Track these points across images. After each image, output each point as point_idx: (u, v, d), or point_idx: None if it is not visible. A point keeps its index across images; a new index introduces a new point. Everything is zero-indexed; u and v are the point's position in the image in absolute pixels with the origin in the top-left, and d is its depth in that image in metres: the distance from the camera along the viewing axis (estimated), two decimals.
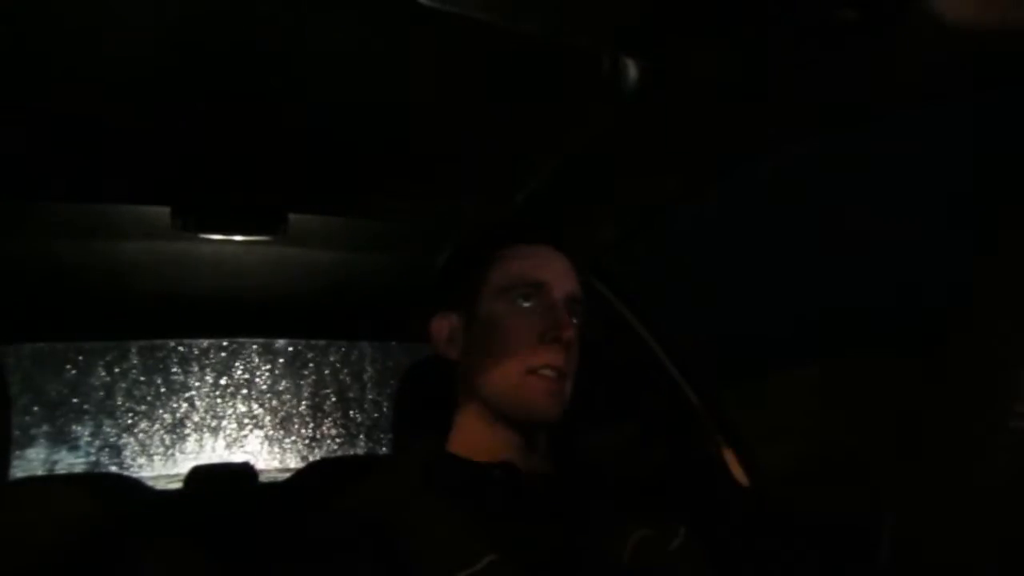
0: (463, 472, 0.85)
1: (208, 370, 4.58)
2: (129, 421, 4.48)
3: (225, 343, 4.58)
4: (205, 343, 4.50)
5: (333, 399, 4.83)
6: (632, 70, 0.89)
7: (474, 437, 0.88)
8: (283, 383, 4.75)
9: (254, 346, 4.65)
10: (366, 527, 0.77)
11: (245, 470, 1.83)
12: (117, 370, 4.41)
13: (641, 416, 1.65)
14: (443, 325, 0.92)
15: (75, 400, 4.41)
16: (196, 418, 4.54)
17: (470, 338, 0.89)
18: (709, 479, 1.42)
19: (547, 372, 0.83)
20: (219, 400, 4.58)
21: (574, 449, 0.97)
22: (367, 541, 0.75)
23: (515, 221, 0.96)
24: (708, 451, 1.55)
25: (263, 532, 1.30)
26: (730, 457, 1.56)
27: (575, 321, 0.88)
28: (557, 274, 0.88)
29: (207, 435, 4.54)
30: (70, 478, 1.79)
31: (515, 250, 0.90)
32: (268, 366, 4.72)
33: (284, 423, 4.65)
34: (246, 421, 4.61)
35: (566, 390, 0.86)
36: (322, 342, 4.60)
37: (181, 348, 4.45)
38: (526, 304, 0.86)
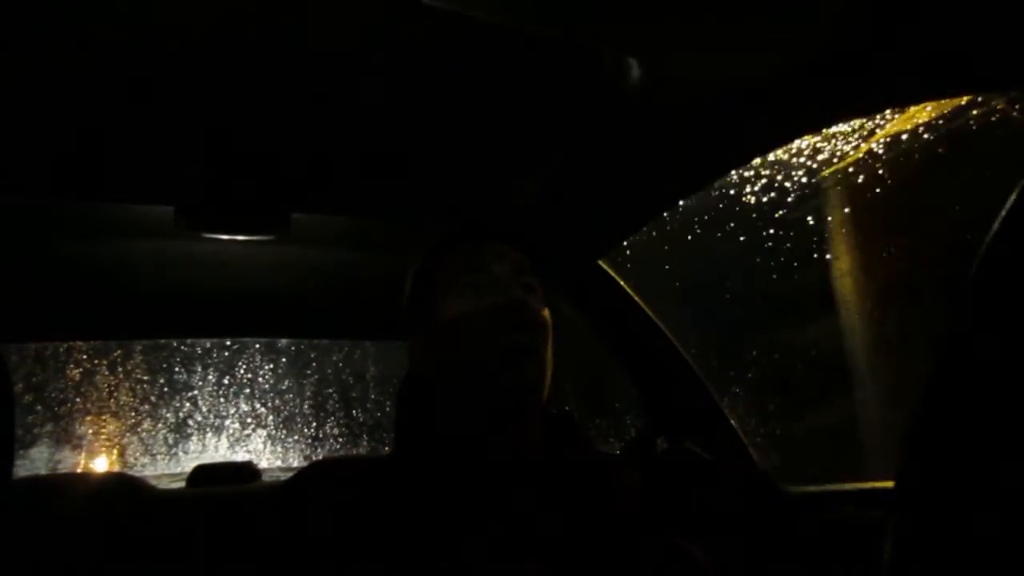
0: (454, 467, 0.86)
1: (211, 369, 4.59)
2: (132, 420, 4.50)
3: (228, 342, 4.60)
4: (208, 343, 4.51)
5: (336, 398, 4.84)
6: (633, 70, 0.89)
7: (464, 436, 0.89)
8: (286, 382, 4.76)
9: (257, 345, 4.66)
10: (357, 524, 0.78)
11: (248, 469, 1.83)
12: (120, 369, 4.43)
13: (645, 413, 1.65)
14: (414, 347, 0.93)
15: (78, 399, 4.43)
16: (199, 417, 4.56)
17: (437, 347, 0.89)
18: (713, 471, 1.42)
19: (508, 347, 0.84)
20: (222, 399, 4.59)
21: (574, 441, 0.97)
22: (358, 537, 0.76)
23: (455, 230, 0.96)
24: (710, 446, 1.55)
25: (265, 531, 1.31)
26: (730, 452, 1.56)
27: (530, 293, 0.90)
28: (494, 255, 0.90)
29: (210, 434, 4.56)
30: (73, 477, 1.80)
31: (453, 252, 0.92)
32: (271, 365, 4.73)
33: (287, 422, 4.66)
34: (249, 420, 4.62)
35: (538, 364, 0.85)
36: (325, 341, 4.60)
37: (184, 347, 4.47)
38: (472, 293, 0.87)
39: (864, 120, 2.91)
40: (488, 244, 0.92)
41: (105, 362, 4.42)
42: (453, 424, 0.89)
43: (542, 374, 0.85)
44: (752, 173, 3.63)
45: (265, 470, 1.98)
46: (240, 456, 4.53)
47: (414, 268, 0.96)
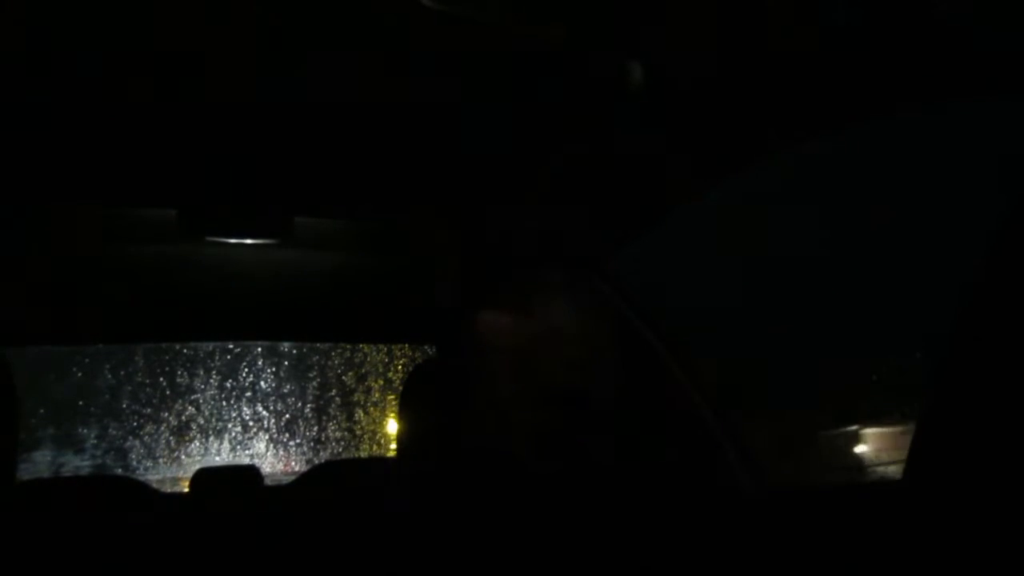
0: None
1: (213, 373, 4.59)
2: (135, 424, 4.50)
3: (230, 346, 4.60)
4: (211, 346, 4.51)
5: (338, 401, 4.84)
6: (634, 70, 0.89)
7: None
8: (288, 386, 4.76)
9: (259, 349, 4.66)
10: (361, 527, 0.78)
11: (250, 473, 1.83)
12: (123, 373, 4.43)
13: (643, 418, 1.65)
14: (454, 350, 0.95)
15: (81, 403, 4.43)
16: (201, 421, 4.56)
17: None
18: (712, 482, 1.42)
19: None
20: (224, 403, 4.59)
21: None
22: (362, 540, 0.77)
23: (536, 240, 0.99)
24: (712, 454, 1.54)
25: (268, 535, 1.31)
26: (734, 459, 1.56)
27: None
28: (544, 300, 0.94)
29: (212, 438, 4.56)
30: (76, 480, 1.80)
31: (506, 297, 0.94)
32: (273, 369, 4.73)
33: (289, 426, 4.66)
34: (251, 424, 4.62)
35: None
36: (327, 345, 4.60)
37: (187, 351, 4.47)
38: (519, 331, 0.90)
39: None
40: (540, 288, 0.94)
41: (108, 365, 4.41)
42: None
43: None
44: None
45: (267, 474, 1.98)
46: (242, 460, 4.53)
47: (468, 289, 0.99)
